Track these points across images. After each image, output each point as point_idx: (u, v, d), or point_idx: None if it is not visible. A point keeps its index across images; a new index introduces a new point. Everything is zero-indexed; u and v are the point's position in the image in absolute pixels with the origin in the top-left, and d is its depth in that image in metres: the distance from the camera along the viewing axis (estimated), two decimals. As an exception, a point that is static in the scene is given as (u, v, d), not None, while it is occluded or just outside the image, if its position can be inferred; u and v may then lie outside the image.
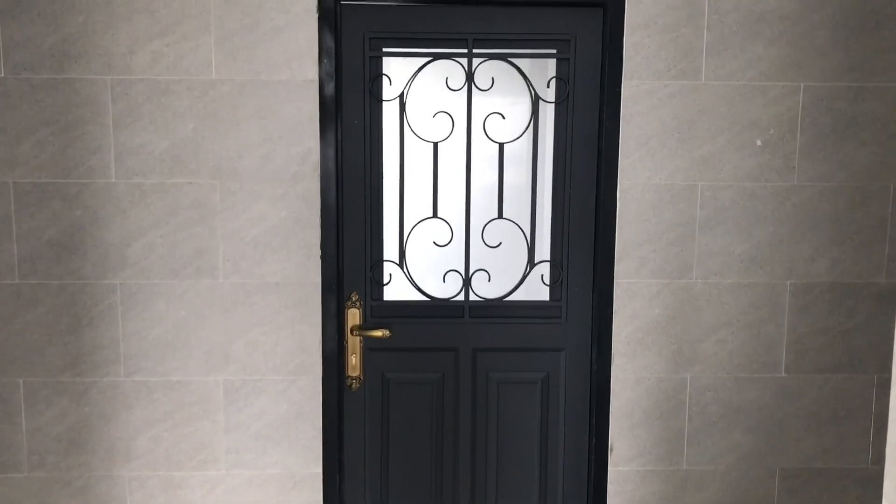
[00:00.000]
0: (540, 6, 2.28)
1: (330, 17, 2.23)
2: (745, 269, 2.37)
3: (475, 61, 2.32)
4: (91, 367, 2.33)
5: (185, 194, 2.27)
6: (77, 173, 2.25)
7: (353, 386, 2.41)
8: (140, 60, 2.22)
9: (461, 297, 2.43)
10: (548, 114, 2.39)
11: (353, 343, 2.39)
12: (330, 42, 2.24)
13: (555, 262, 2.43)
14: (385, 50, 2.31)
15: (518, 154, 2.41)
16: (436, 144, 2.37)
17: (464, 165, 2.38)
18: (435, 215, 2.40)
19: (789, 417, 2.43)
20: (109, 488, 2.38)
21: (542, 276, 2.44)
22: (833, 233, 2.36)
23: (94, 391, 2.34)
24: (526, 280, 2.43)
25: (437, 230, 2.40)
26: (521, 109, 2.38)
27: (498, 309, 2.44)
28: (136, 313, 2.32)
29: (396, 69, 2.33)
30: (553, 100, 2.36)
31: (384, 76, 2.33)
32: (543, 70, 2.38)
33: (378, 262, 2.41)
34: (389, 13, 2.29)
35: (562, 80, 2.34)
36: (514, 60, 2.33)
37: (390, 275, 2.43)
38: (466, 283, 2.42)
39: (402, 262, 2.42)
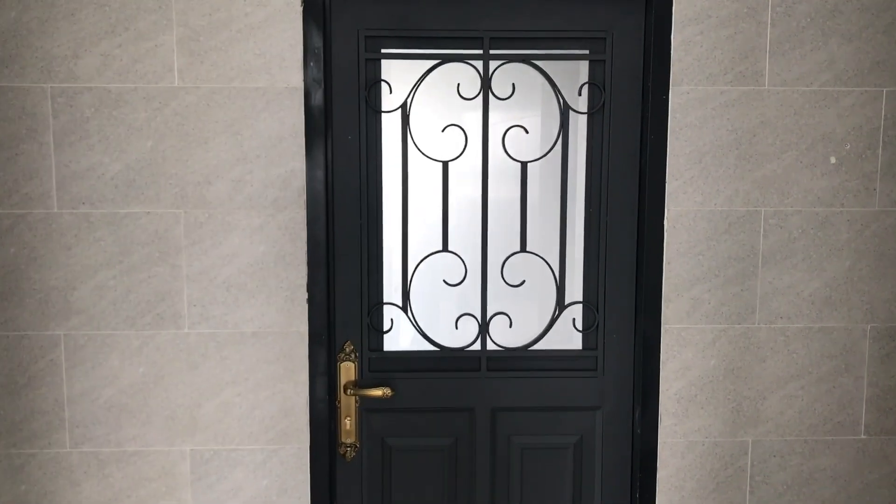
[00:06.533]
0: (570, -2, 2.04)
1: (318, 11, 1.98)
2: (816, 312, 2.10)
3: (492, 64, 2.08)
4: (29, 436, 2.05)
5: (143, 227, 2.01)
6: (10, 203, 1.97)
7: (348, 455, 2.14)
8: (86, 65, 1.95)
9: (477, 347, 2.18)
10: (579, 127, 2.16)
11: (348, 404, 2.12)
12: (318, 41, 1.99)
13: (588, 304, 2.17)
14: (384, 51, 2.09)
15: (544, 175, 2.19)
16: (445, 164, 2.13)
17: (479, 189, 2.14)
18: (445, 248, 2.16)
19: (871, 487, 2.16)
20: (52, 583, 2.09)
21: (574, 320, 2.19)
22: (923, 267, 2.09)
23: (33, 465, 2.06)
24: (554, 325, 2.19)
25: (447, 266, 2.16)
26: (547, 122, 2.18)
27: (521, 360, 2.19)
28: (85, 370, 2.04)
29: (398, 74, 2.11)
30: (586, 110, 2.12)
31: (383, 82, 2.09)
32: (574, 74, 2.16)
33: (377, 305, 2.15)
34: (389, 7, 2.04)
35: (596, 86, 2.10)
36: (538, 63, 2.09)
37: (392, 320, 2.18)
38: (483, 329, 2.16)
39: (405, 304, 2.16)
